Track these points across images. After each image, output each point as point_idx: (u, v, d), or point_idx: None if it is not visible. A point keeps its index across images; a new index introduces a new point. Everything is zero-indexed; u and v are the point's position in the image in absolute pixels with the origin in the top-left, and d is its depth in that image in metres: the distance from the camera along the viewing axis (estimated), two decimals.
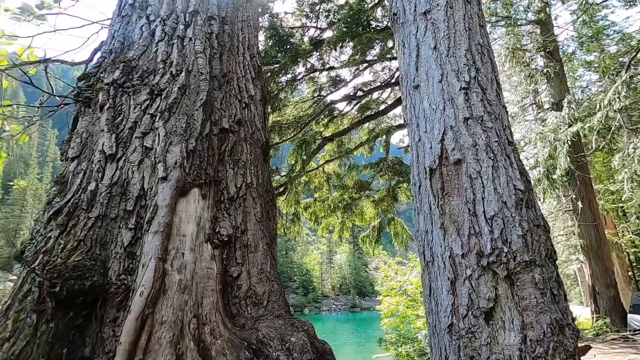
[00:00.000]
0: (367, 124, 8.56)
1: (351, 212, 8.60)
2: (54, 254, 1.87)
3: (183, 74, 2.55)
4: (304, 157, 6.90)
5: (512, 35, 10.74)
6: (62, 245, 1.92)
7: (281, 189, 7.59)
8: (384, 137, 7.63)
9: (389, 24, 6.27)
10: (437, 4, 2.09)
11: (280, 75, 6.43)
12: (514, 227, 1.64)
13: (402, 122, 8.41)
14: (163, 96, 2.44)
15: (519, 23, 10.59)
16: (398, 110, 8.26)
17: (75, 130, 2.37)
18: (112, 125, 2.30)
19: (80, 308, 1.86)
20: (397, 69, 7.78)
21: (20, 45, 3.35)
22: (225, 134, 2.70)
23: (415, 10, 2.17)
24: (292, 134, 7.70)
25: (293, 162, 7.19)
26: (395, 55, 7.03)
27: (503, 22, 10.25)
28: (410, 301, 9.43)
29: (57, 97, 3.09)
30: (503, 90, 2.30)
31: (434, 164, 1.90)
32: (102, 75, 2.53)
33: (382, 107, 8.12)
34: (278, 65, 6.34)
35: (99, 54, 2.91)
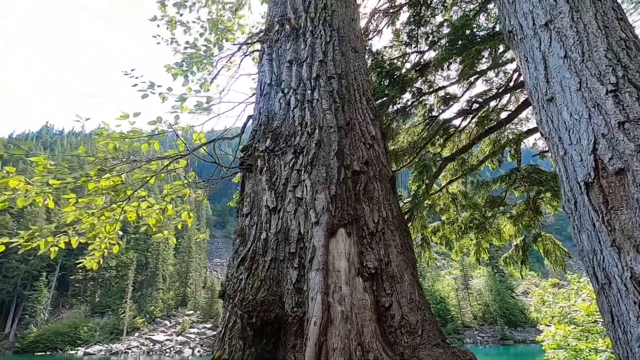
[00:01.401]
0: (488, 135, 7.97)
1: (486, 232, 7.91)
2: (247, 292, 2.38)
3: (317, 131, 3.00)
4: (427, 181, 6.81)
5: None
6: (250, 285, 2.43)
7: (406, 216, 7.57)
8: (513, 145, 6.95)
9: (497, 28, 5.94)
10: (560, 12, 2.00)
11: (390, 107, 6.66)
12: None
13: (530, 126, 7.55)
14: (304, 153, 2.91)
15: None
16: (523, 114, 7.48)
17: (245, 192, 3.01)
18: (271, 184, 2.84)
19: (269, 336, 2.28)
20: (514, 71, 7.16)
21: (194, 131, 4.47)
22: (357, 175, 3.01)
23: (534, 24, 2.11)
24: (408, 160, 7.72)
25: (415, 188, 7.14)
26: (509, 57, 6.54)
27: None
28: (582, 332, 7.83)
29: (224, 167, 3.96)
30: None
31: (588, 177, 1.76)
32: (256, 145, 3.18)
33: (504, 114, 7.49)
34: (386, 97, 6.62)
35: (249, 126, 3.66)
